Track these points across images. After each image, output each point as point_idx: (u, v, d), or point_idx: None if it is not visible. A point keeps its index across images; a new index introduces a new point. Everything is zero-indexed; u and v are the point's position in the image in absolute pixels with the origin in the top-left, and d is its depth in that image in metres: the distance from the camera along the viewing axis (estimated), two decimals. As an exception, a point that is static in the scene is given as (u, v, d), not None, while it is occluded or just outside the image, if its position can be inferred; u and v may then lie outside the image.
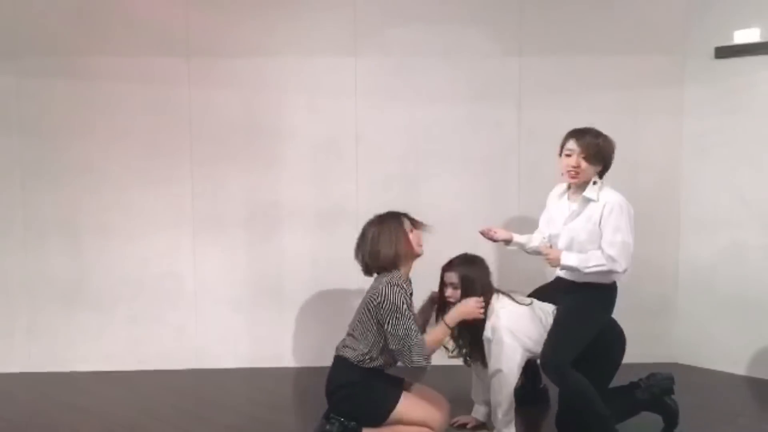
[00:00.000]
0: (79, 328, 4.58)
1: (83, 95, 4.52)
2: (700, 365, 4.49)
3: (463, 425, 3.62)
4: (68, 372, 4.53)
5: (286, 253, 4.62)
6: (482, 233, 3.64)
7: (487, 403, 3.59)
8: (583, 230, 3.40)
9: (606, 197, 3.39)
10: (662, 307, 4.57)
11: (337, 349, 3.49)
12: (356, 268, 4.58)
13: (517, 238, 3.66)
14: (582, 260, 3.35)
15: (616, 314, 4.65)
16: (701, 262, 4.46)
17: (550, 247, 3.52)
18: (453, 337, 3.52)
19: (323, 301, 4.65)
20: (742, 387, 4.21)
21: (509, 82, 4.60)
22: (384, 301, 3.30)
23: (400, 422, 3.37)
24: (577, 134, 3.42)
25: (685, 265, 4.52)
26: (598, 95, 4.57)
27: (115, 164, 4.56)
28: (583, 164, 3.38)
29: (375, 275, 3.49)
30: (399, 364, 3.39)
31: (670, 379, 3.53)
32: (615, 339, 3.53)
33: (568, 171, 3.42)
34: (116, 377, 4.46)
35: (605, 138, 3.43)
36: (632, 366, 3.89)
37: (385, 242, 3.42)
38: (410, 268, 3.50)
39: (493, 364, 3.36)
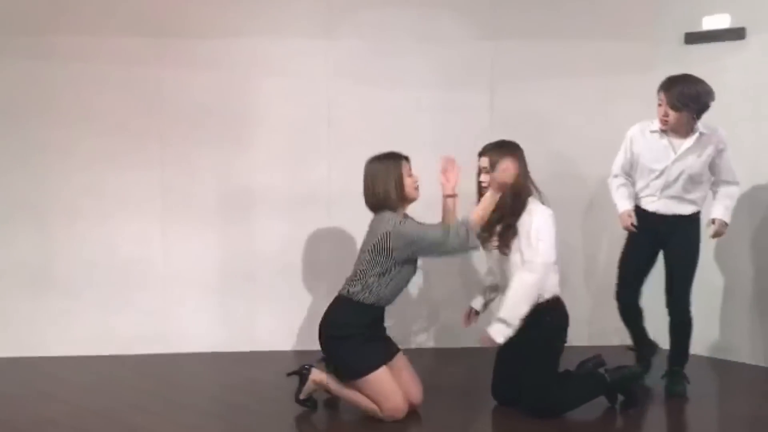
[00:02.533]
0: (47, 313, 4.52)
1: (50, 75, 4.43)
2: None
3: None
4: (36, 357, 4.47)
5: (257, 237, 4.59)
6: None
7: (492, 290, 3.75)
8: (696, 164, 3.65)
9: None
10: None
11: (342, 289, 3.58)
12: (328, 251, 4.62)
13: (628, 207, 3.83)
14: (730, 207, 3.71)
15: (591, 297, 4.72)
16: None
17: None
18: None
19: (295, 284, 4.64)
20: (710, 369, 4.31)
21: (482, 66, 4.61)
22: (400, 241, 3.40)
23: (359, 389, 3.43)
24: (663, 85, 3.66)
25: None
26: (570, 80, 4.60)
27: (84, 146, 4.48)
28: (671, 113, 3.60)
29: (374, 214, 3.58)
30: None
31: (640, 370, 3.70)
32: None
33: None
34: (86, 362, 4.41)
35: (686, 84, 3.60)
36: (601, 348, 3.99)
37: (380, 181, 3.50)
38: (405, 209, 3.57)
39: (530, 256, 3.38)
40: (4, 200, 4.47)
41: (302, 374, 3.60)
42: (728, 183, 3.73)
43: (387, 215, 3.48)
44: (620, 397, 3.59)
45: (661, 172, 3.69)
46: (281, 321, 4.63)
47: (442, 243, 3.38)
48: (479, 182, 3.56)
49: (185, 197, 4.56)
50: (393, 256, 3.43)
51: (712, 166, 3.71)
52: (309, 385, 3.58)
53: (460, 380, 4.06)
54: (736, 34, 4.28)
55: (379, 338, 3.58)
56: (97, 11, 4.43)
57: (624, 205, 3.85)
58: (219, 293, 4.61)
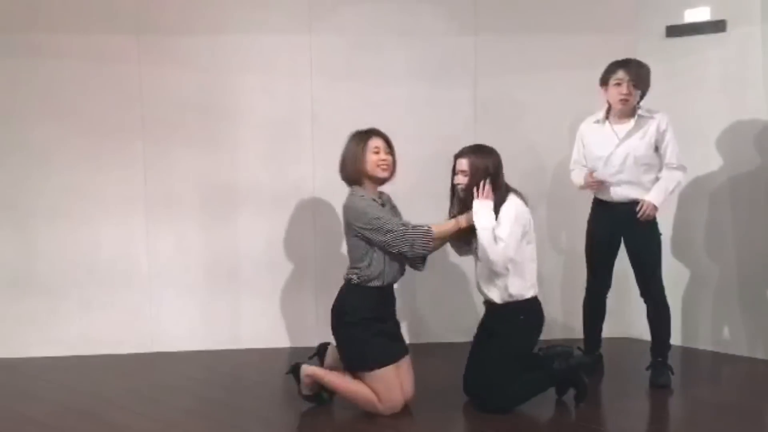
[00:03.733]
0: (29, 314, 4.48)
1: (28, 74, 4.38)
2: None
3: None
4: (19, 358, 4.43)
5: (241, 235, 4.57)
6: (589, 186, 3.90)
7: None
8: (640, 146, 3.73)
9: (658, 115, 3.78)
10: (617, 285, 4.62)
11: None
12: (312, 248, 4.60)
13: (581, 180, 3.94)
14: (664, 189, 3.72)
15: (562, 292, 4.71)
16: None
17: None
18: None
19: (279, 282, 4.62)
20: (687, 358, 4.33)
21: (465, 60, 4.60)
22: (351, 214, 3.42)
23: (362, 378, 3.43)
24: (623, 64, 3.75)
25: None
26: (553, 74, 4.60)
27: (64, 146, 4.44)
28: (634, 91, 3.70)
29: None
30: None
31: (586, 356, 3.79)
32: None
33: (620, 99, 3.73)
34: (69, 363, 4.38)
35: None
36: (573, 341, 4.03)
37: (345, 155, 3.54)
38: (375, 188, 3.56)
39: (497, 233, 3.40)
40: (-17, 200, 4.44)
41: (294, 371, 3.61)
42: (670, 167, 3.75)
43: (352, 190, 3.52)
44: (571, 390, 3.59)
45: (608, 158, 3.78)
46: (265, 319, 4.61)
47: (397, 234, 3.36)
48: (454, 184, 3.58)
49: (168, 196, 4.53)
50: (355, 232, 3.44)
51: (658, 150, 3.77)
52: (305, 381, 3.56)
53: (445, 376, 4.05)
54: (716, 26, 4.30)
55: (392, 335, 3.56)
56: (75, 7, 4.38)
57: (582, 174, 3.94)
58: (203, 292, 4.58)
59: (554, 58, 4.59)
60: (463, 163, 3.53)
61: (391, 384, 3.43)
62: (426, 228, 3.41)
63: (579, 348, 4.01)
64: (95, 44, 4.40)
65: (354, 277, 3.47)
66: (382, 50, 4.56)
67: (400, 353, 3.53)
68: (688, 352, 4.39)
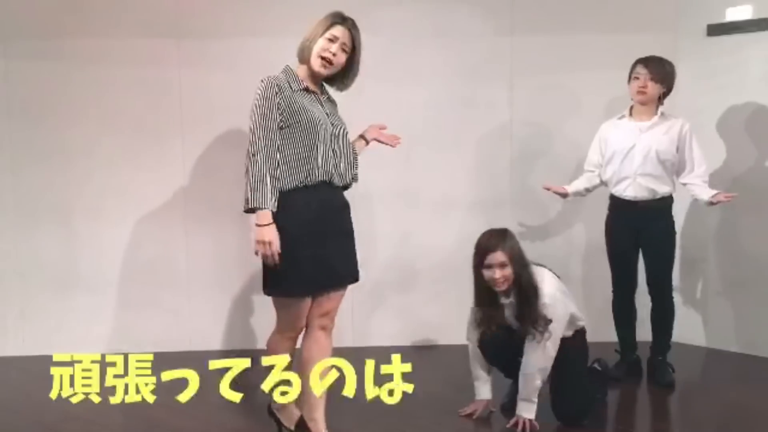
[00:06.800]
0: (72, 312, 4.58)
1: (72, 78, 4.48)
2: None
3: (470, 415, 3.44)
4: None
5: (278, 235, 4.61)
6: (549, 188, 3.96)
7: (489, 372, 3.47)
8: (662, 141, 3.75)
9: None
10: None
11: None
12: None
13: (572, 188, 3.98)
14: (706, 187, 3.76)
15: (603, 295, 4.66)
16: (695, 240, 4.48)
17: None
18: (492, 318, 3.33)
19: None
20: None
21: (501, 62, 4.58)
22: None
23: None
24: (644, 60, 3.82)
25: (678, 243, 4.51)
26: (591, 74, 4.56)
27: (106, 147, 4.53)
28: (650, 85, 3.75)
29: None
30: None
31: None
32: None
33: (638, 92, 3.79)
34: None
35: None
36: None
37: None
38: (311, 78, 3.10)
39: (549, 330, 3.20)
40: (28, 201, 4.54)
41: None
42: (700, 174, 3.79)
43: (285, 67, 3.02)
44: None
45: (630, 151, 3.78)
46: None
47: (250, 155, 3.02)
48: (484, 279, 3.22)
49: (207, 196, 4.59)
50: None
51: (681, 155, 3.77)
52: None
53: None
54: (759, 25, 4.23)
55: (325, 260, 3.00)
56: (114, 12, 4.46)
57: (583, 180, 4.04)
58: (241, 291, 4.63)
59: (592, 58, 4.55)
60: (500, 256, 3.18)
61: (291, 313, 3.03)
62: (261, 198, 2.97)
63: (616, 350, 3.98)
64: (137, 49, 4.47)
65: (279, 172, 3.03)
66: (418, 51, 4.56)
67: (322, 287, 3.01)
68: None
